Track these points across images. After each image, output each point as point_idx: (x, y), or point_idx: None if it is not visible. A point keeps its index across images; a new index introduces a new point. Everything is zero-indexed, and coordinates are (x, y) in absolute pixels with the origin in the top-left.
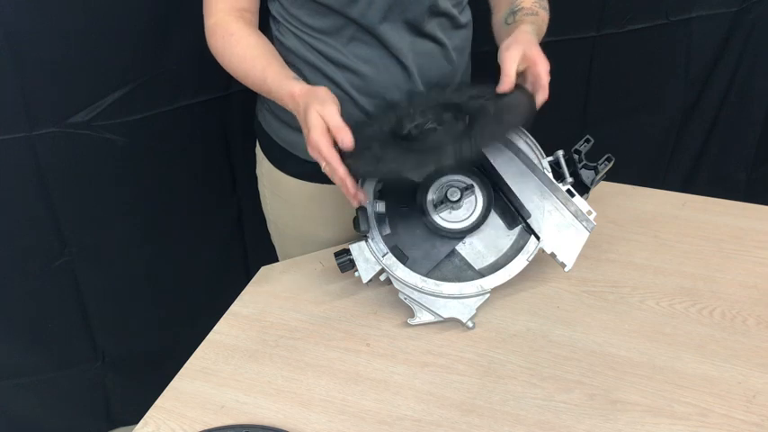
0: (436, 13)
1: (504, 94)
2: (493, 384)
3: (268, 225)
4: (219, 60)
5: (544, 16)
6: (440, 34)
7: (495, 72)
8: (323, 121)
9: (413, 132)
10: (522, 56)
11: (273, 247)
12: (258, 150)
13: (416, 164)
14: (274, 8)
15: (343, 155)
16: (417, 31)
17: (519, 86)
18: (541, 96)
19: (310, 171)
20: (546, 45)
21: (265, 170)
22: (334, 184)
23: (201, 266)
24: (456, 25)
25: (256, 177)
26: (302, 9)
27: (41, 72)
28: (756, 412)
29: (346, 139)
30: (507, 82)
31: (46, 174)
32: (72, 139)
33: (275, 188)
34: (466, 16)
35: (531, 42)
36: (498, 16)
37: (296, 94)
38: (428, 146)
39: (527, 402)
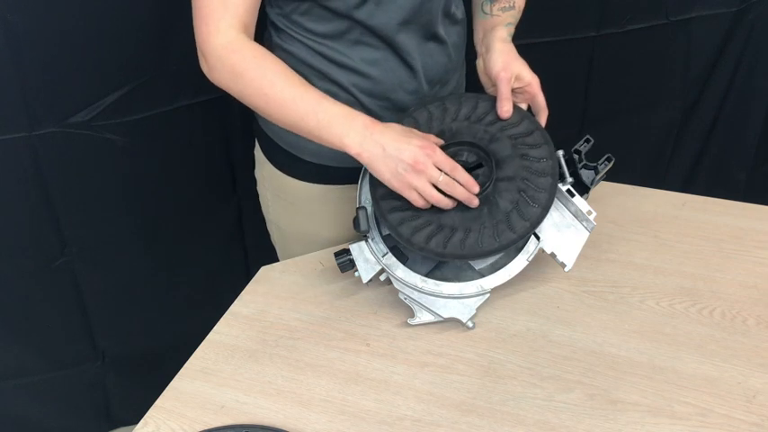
0: (445, 13)
1: (510, 124)
2: (493, 384)
3: (268, 226)
4: (235, 85)
5: (521, 4)
6: (441, 32)
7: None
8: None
9: None
10: (517, 77)
11: (273, 247)
12: (258, 153)
13: (492, 233)
14: (274, 15)
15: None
16: (427, 31)
17: (517, 109)
18: (544, 117)
19: (315, 172)
20: (546, 45)
21: (267, 173)
22: (337, 184)
23: (201, 266)
24: (453, 21)
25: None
26: (305, 15)
27: (41, 72)
28: (756, 412)
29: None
30: (508, 106)
31: (46, 174)
32: (72, 139)
33: (279, 192)
34: (461, 12)
35: (519, 60)
36: None
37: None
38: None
39: (527, 402)
